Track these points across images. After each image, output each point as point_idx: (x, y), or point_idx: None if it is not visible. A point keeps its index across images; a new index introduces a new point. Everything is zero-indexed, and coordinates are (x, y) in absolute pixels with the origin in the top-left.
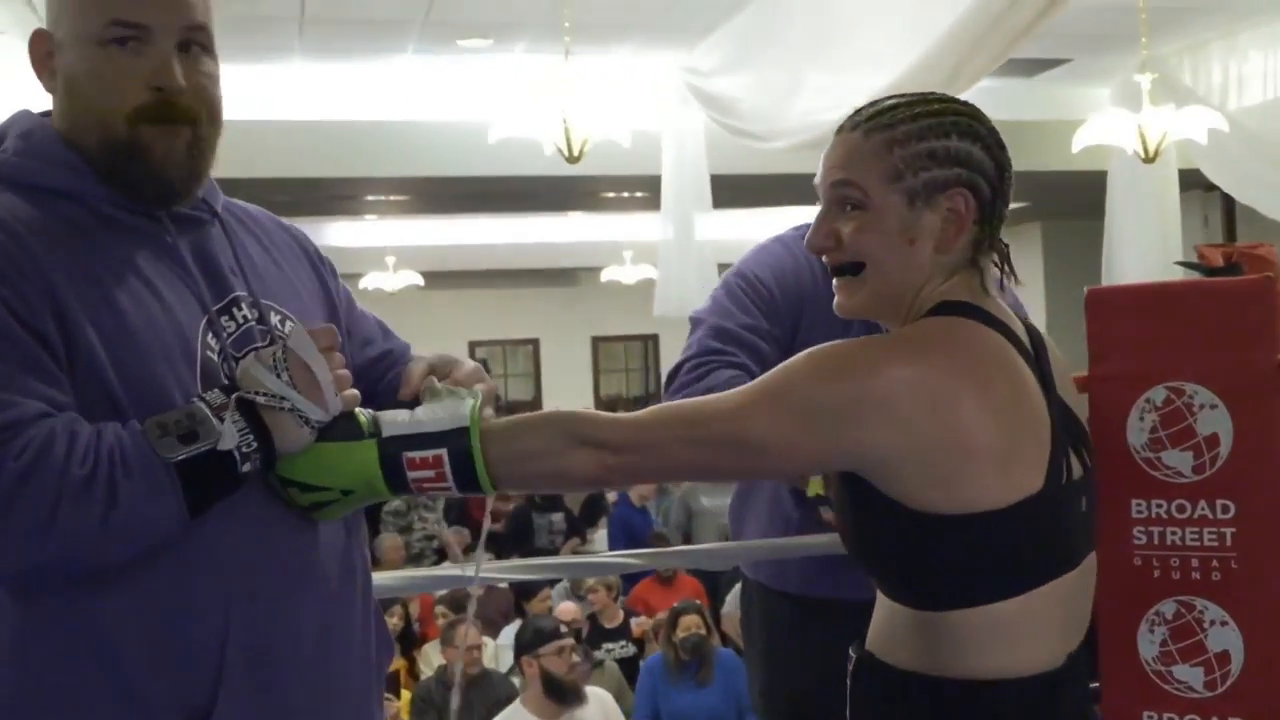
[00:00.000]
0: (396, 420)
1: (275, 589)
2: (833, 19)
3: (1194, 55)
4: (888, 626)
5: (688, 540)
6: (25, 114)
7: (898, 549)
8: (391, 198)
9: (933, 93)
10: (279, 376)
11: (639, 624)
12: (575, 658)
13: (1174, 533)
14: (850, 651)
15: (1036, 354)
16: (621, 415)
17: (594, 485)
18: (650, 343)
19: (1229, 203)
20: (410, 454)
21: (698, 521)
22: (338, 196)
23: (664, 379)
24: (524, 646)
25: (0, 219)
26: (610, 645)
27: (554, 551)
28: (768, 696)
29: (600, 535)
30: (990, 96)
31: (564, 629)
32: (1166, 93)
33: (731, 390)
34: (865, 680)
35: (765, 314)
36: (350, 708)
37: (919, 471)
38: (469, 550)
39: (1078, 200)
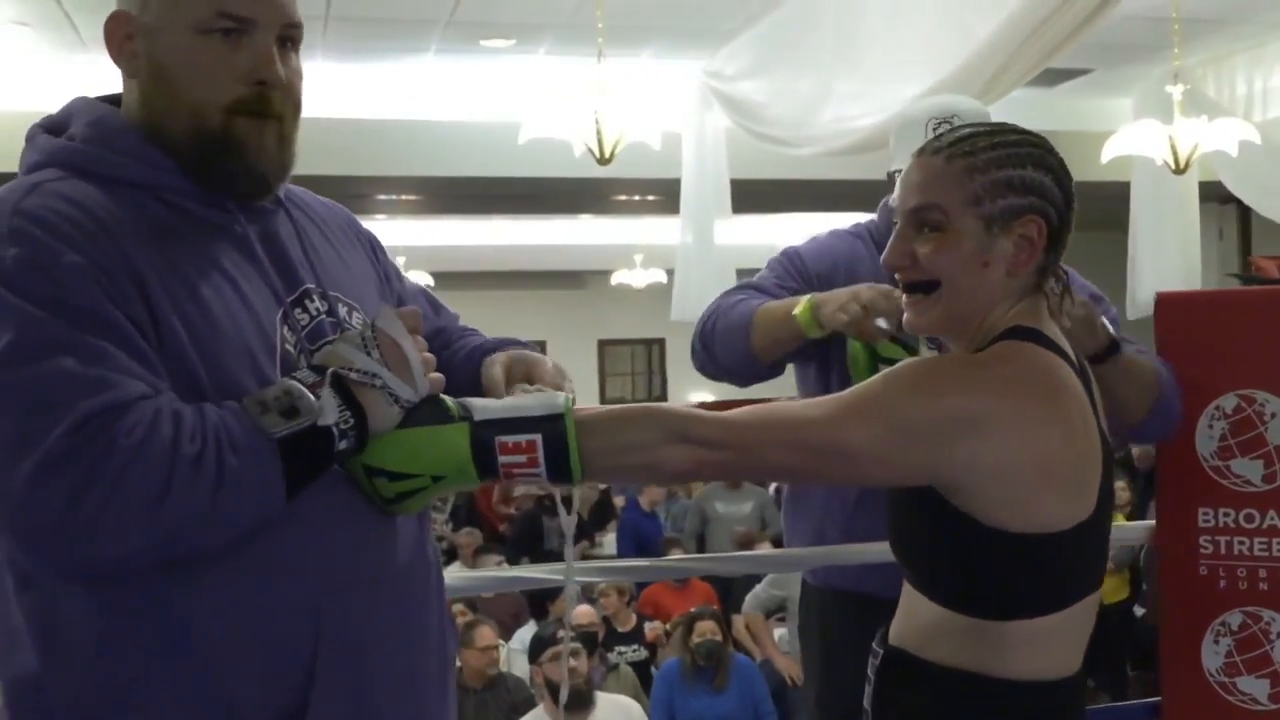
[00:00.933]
0: (489, 405)
1: (361, 583)
2: (861, 26)
3: (1218, 67)
4: (924, 624)
5: (701, 547)
6: (88, 101)
7: (958, 561)
8: (404, 197)
9: (1008, 124)
10: (369, 354)
11: (652, 628)
12: (573, 662)
13: (1242, 542)
14: (875, 646)
15: (1084, 380)
16: (720, 414)
17: (684, 479)
18: (657, 346)
19: (1245, 215)
20: (504, 438)
21: (712, 527)
22: (351, 195)
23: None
24: (531, 654)
25: (86, 207)
26: (623, 649)
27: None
28: (823, 701)
29: (609, 539)
30: (1011, 106)
31: (562, 634)
32: (1192, 105)
33: (826, 398)
34: (897, 673)
35: (793, 275)
36: (431, 700)
37: (998, 491)
38: (479, 553)
39: (1098, 211)
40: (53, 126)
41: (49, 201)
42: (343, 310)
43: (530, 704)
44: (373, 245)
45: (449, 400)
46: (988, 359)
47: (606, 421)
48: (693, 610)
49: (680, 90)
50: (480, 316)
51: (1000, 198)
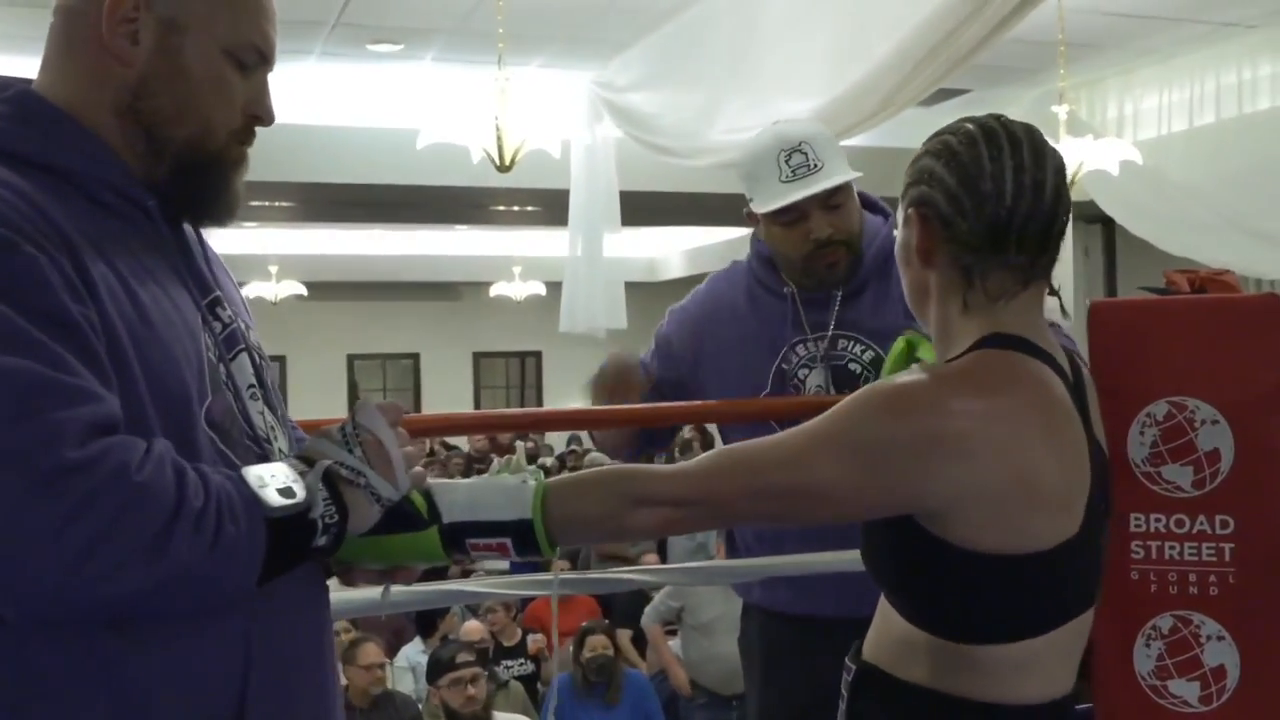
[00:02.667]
0: (455, 501)
1: (285, 608)
2: (755, 41)
3: (1090, 90)
4: (900, 642)
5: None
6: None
7: (935, 587)
8: (278, 204)
9: (983, 115)
10: (350, 450)
11: (535, 641)
12: (471, 690)
13: (1172, 547)
14: (849, 662)
15: (1076, 384)
16: (679, 468)
17: (658, 538)
18: (533, 359)
19: (1109, 235)
20: (474, 539)
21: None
22: None
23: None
24: (429, 675)
25: (26, 195)
26: (509, 663)
27: (526, 569)
28: (764, 716)
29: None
30: (892, 124)
31: (463, 657)
32: (1070, 126)
33: (789, 434)
34: (873, 692)
35: (661, 364)
36: (336, 718)
37: (980, 515)
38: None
39: None
40: None
41: None
42: (239, 324)
43: None
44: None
45: (418, 497)
46: (960, 373)
47: (568, 496)
48: (584, 625)
49: (570, 100)
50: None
51: (909, 187)
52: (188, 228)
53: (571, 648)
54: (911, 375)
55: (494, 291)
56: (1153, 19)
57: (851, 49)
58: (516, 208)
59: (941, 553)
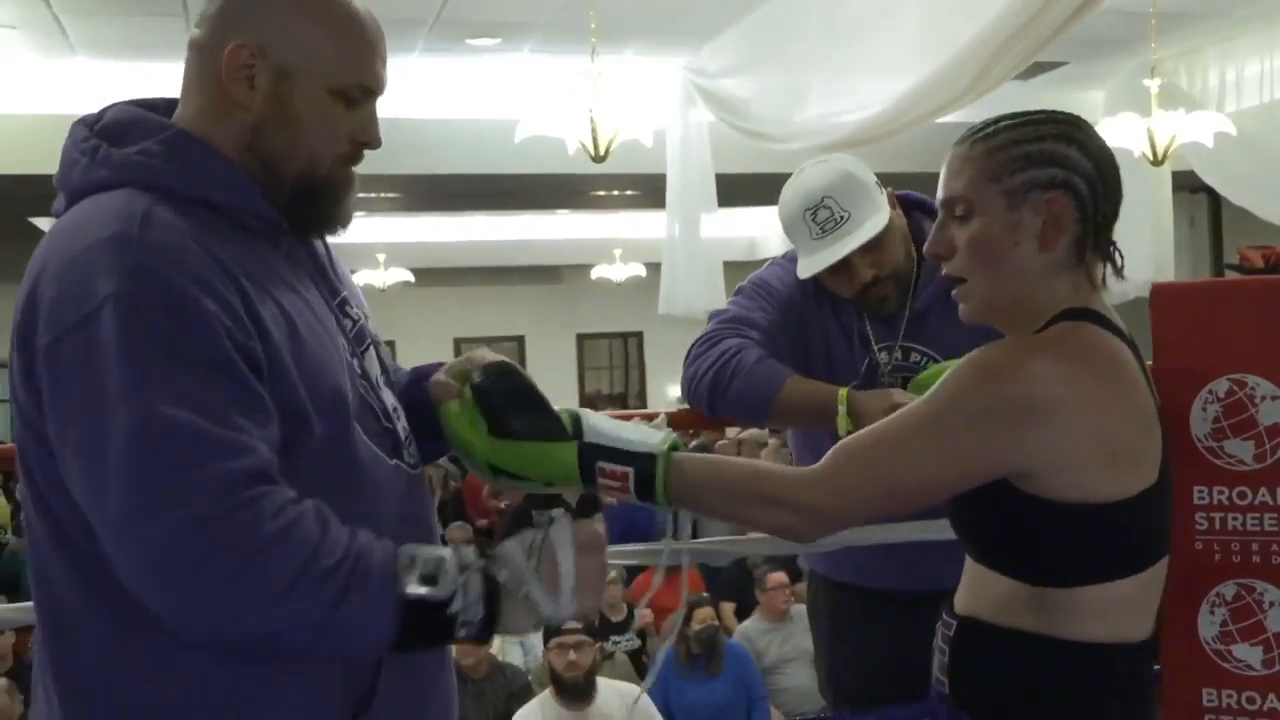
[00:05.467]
0: (597, 427)
1: None
2: (844, 23)
3: (1190, 60)
4: (996, 595)
5: (695, 533)
6: (137, 110)
7: (1026, 536)
8: (384, 194)
9: (1039, 110)
10: (529, 560)
11: (642, 616)
12: (573, 655)
13: (1235, 518)
14: (946, 617)
15: (1136, 353)
16: (806, 475)
17: (776, 536)
18: (635, 340)
19: (1215, 204)
20: (603, 464)
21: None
22: None
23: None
24: (544, 638)
25: (198, 238)
26: (617, 638)
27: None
28: (833, 680)
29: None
30: (988, 98)
31: (571, 624)
32: (1166, 97)
33: (901, 426)
34: (978, 642)
35: (777, 310)
36: (448, 688)
37: (1067, 469)
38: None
39: None
40: (109, 135)
41: (169, 236)
42: (364, 318)
43: (527, 692)
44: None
45: (566, 415)
46: (1044, 342)
47: (705, 468)
48: (690, 598)
49: (664, 87)
50: (461, 313)
51: (1019, 171)
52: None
53: (676, 621)
54: (1001, 346)
55: (595, 274)
56: None
57: (941, 29)
58: (615, 192)
59: (1035, 507)
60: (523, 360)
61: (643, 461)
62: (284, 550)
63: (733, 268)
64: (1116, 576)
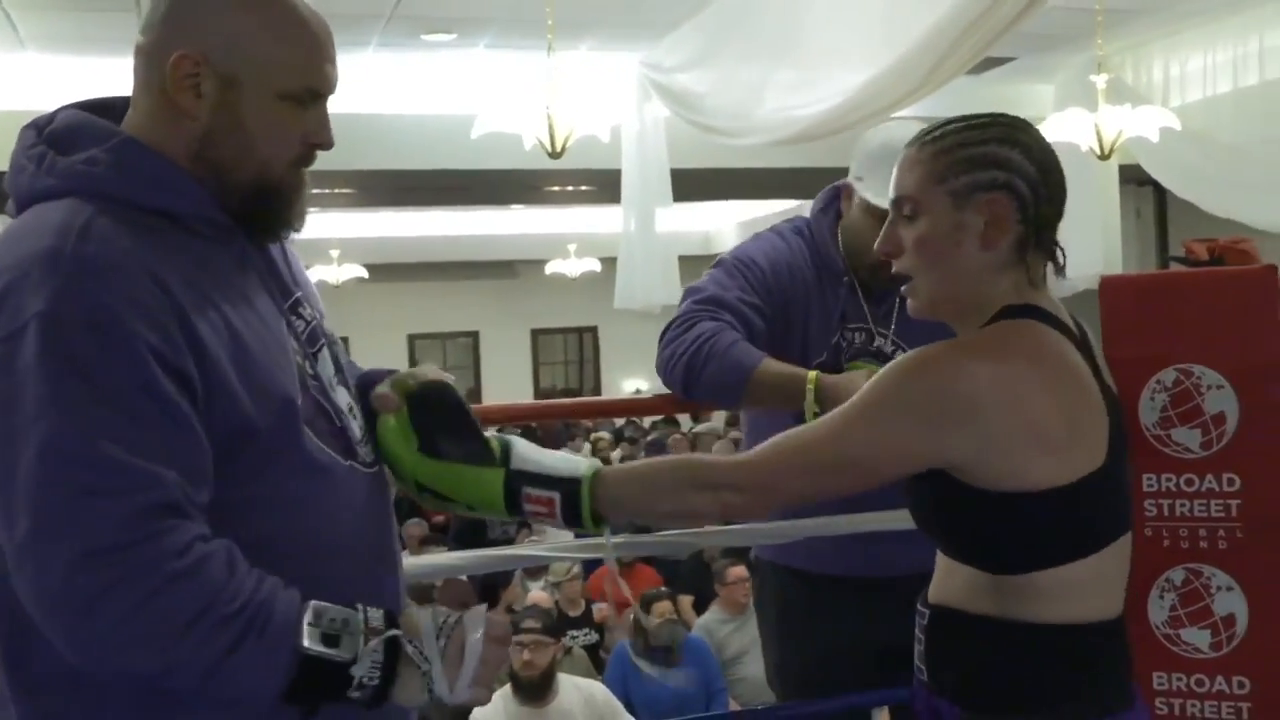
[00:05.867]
0: (524, 454)
1: (358, 569)
2: (801, 18)
3: (1136, 54)
4: (964, 582)
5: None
6: (85, 115)
7: (975, 527)
8: (338, 190)
9: (986, 112)
10: (437, 639)
11: (599, 610)
12: (527, 655)
13: (1183, 505)
14: (920, 606)
15: (1084, 345)
16: (737, 456)
17: (711, 522)
18: (589, 335)
19: (1160, 197)
20: (529, 490)
21: None
22: None
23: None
24: None
25: (133, 252)
26: (575, 633)
27: (509, 542)
28: (782, 670)
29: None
30: (939, 93)
31: (528, 623)
32: (1113, 91)
33: (836, 411)
34: (950, 629)
35: (757, 290)
36: None
37: (999, 460)
38: (424, 544)
39: None
40: (57, 142)
41: (105, 252)
42: (317, 318)
43: None
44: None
45: (495, 442)
46: (978, 341)
47: (629, 478)
48: (647, 592)
49: (620, 82)
50: (414, 308)
51: (964, 173)
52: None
53: (634, 615)
54: (939, 344)
55: (550, 269)
56: None
57: (899, 21)
58: (570, 187)
59: (976, 497)
60: (477, 356)
61: (567, 486)
62: (184, 590)
63: (688, 262)
64: (1070, 559)
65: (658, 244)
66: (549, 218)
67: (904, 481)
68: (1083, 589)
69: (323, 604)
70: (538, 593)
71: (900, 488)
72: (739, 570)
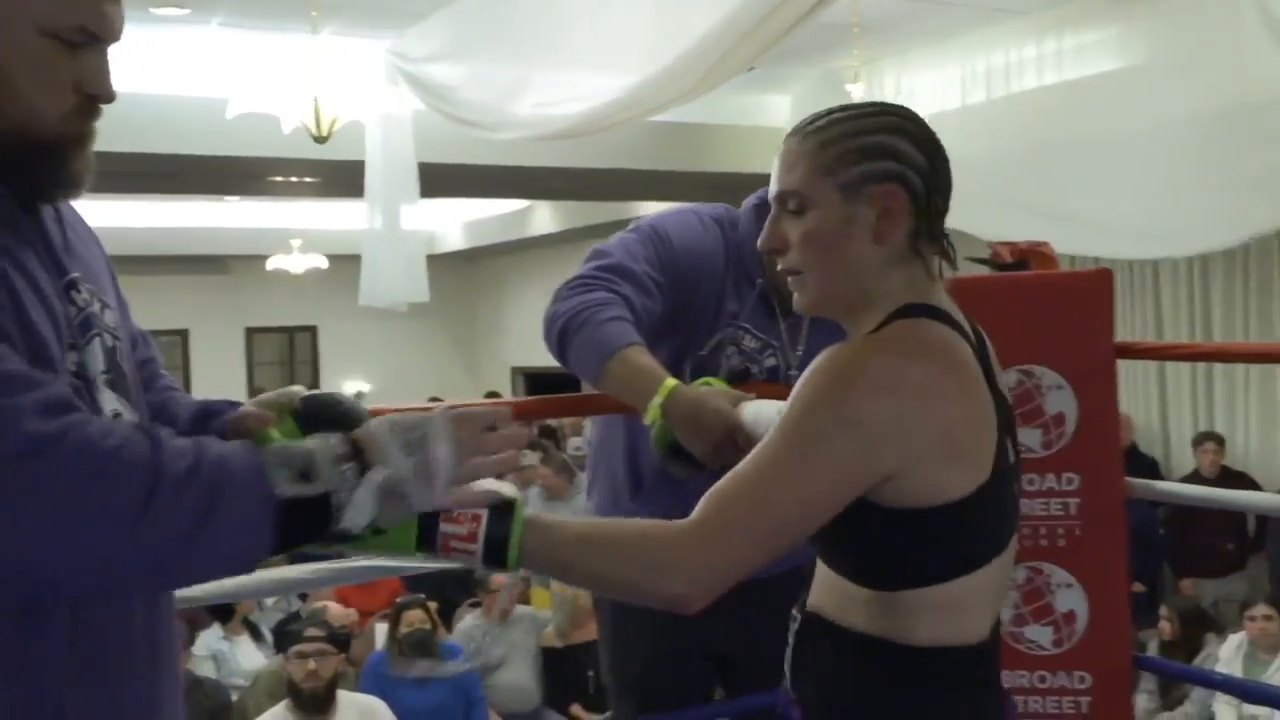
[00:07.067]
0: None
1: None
2: (564, 14)
3: (869, 69)
4: (838, 592)
5: None
6: None
7: (858, 540)
8: None
9: (870, 101)
10: (409, 457)
11: (346, 616)
12: (313, 664)
13: (1024, 504)
14: (795, 611)
15: (979, 344)
16: (683, 529)
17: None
18: (308, 334)
19: None
20: (445, 530)
21: None
22: None
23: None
24: (281, 645)
25: None
26: None
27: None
28: (616, 671)
29: None
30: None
31: (312, 631)
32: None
33: (757, 465)
34: (816, 638)
35: (664, 266)
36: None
37: (911, 475)
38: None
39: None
40: None
41: None
42: (96, 305)
43: (226, 710)
44: (99, 243)
45: None
46: (881, 345)
47: (584, 540)
48: (399, 600)
49: (360, 71)
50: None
51: (854, 165)
52: (46, 206)
53: (386, 624)
54: (838, 356)
55: (271, 265)
56: (929, 1)
57: (668, 25)
58: (295, 178)
59: (867, 512)
60: (186, 356)
61: (498, 507)
62: (126, 462)
63: (438, 260)
64: (948, 578)
65: (403, 240)
66: (265, 211)
67: None
68: (956, 609)
69: (279, 444)
70: (336, 605)
71: None
72: (502, 579)
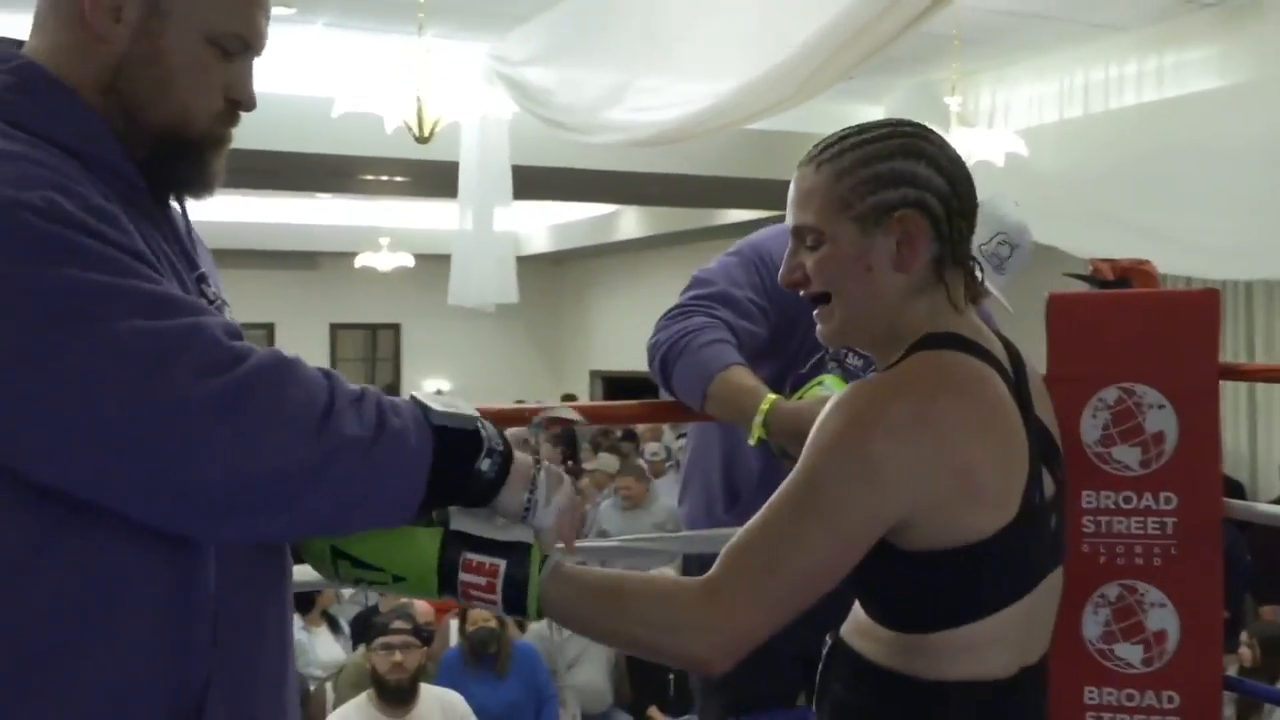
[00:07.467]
0: (466, 519)
1: (251, 591)
2: (665, 21)
3: (965, 82)
4: (863, 624)
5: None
6: None
7: (877, 581)
8: None
9: (882, 120)
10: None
11: (424, 613)
12: (399, 656)
13: (1120, 522)
14: (828, 636)
15: (1016, 372)
16: (704, 586)
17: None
18: (391, 332)
19: None
20: (469, 555)
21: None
22: None
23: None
24: (363, 637)
25: (93, 187)
26: None
27: None
28: (710, 685)
29: None
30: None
31: (398, 624)
32: (942, 116)
33: (777, 510)
34: (839, 665)
35: (768, 292)
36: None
37: (927, 517)
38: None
39: None
40: None
41: (33, 170)
42: (219, 301)
43: (304, 700)
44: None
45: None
46: (895, 386)
47: (593, 592)
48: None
49: (459, 73)
50: None
51: (869, 195)
52: (173, 204)
53: (457, 621)
54: (856, 398)
55: (359, 263)
56: (1029, 17)
57: (768, 34)
58: (385, 177)
59: (886, 553)
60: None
61: (517, 556)
62: (309, 374)
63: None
64: (968, 621)
65: (495, 241)
66: (354, 209)
67: None
68: (980, 648)
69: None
70: (421, 602)
71: None
72: None
